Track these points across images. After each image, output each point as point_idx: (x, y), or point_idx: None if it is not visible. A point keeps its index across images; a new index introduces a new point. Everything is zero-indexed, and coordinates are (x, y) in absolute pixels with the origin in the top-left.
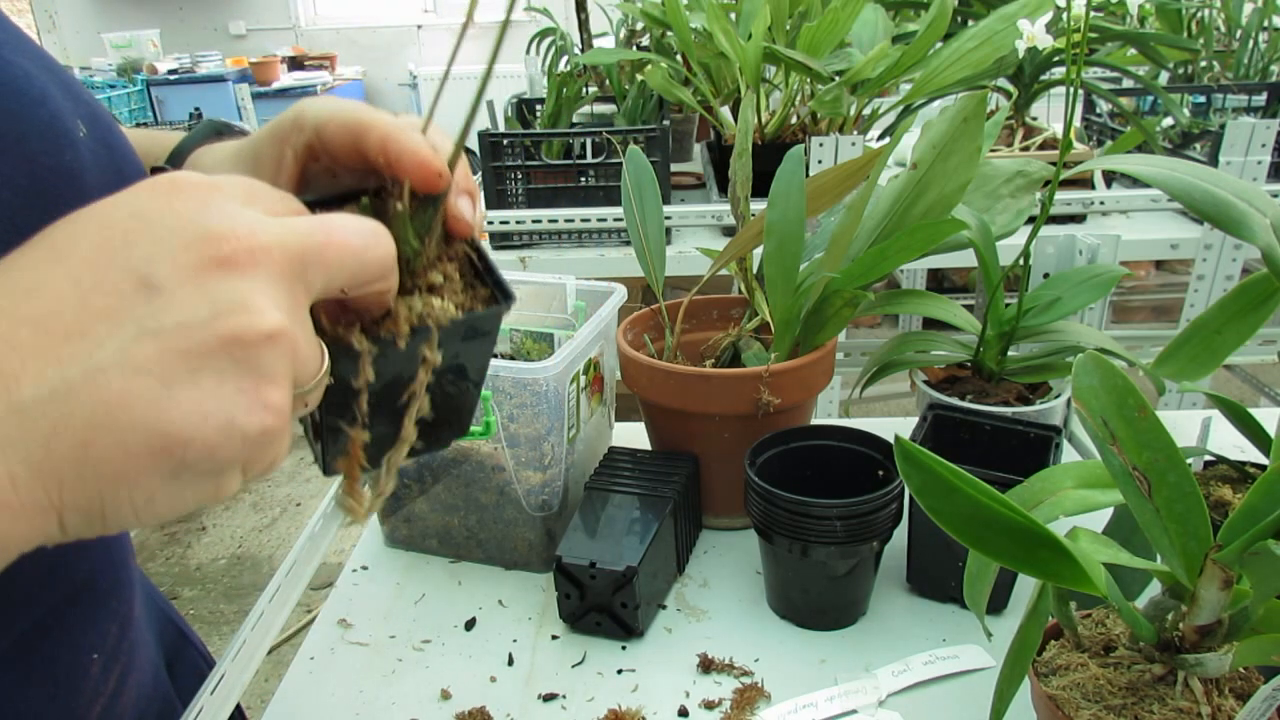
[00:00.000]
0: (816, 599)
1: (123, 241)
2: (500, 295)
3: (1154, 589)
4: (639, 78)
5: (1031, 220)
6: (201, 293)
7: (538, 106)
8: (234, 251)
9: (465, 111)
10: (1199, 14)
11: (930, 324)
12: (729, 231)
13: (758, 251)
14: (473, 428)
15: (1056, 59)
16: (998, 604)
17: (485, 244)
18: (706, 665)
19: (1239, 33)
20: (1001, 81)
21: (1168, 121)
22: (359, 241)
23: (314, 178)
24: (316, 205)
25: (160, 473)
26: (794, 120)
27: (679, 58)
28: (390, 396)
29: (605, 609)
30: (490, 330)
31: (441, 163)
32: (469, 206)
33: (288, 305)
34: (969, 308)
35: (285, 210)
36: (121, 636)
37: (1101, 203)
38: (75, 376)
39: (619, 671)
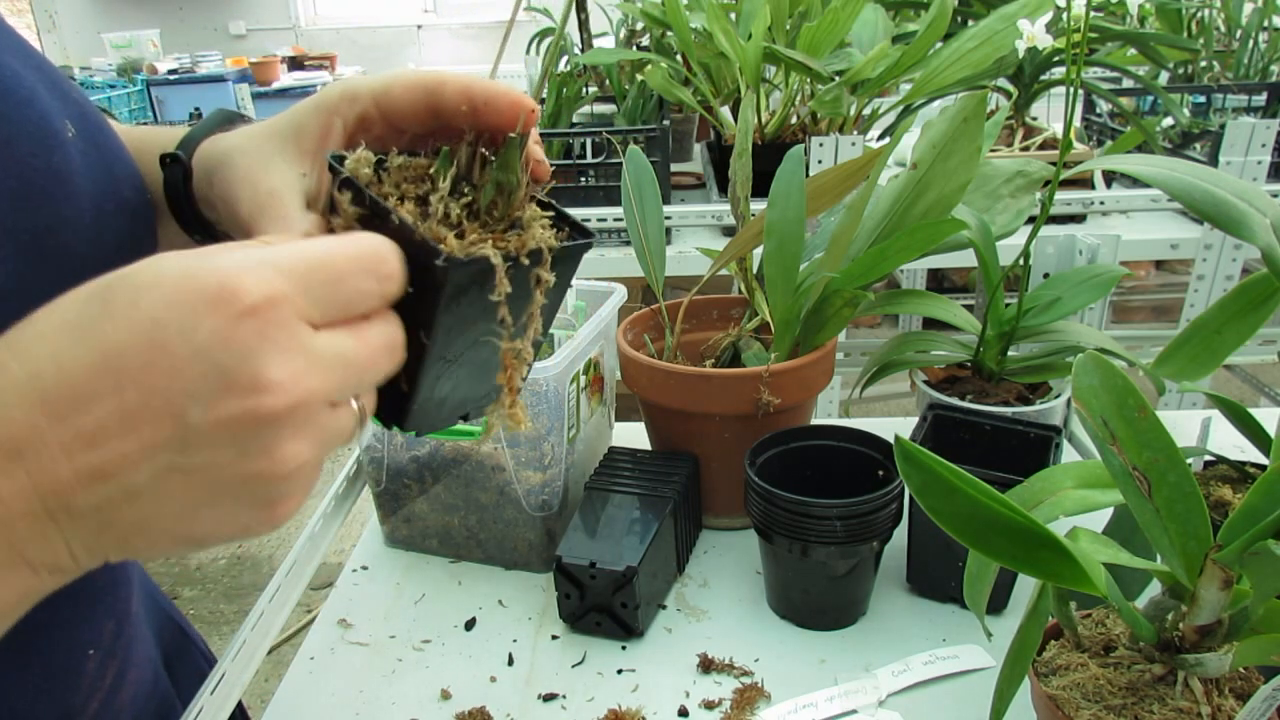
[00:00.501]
0: (816, 599)
1: (169, 372)
2: (580, 235)
3: (1154, 589)
4: (639, 78)
5: (1031, 220)
6: (232, 440)
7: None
8: (273, 407)
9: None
10: (1199, 14)
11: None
12: (729, 231)
13: (758, 251)
14: (472, 427)
15: (1056, 59)
16: (998, 604)
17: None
18: (706, 665)
19: (1239, 33)
20: (1001, 81)
21: (1168, 121)
22: (398, 343)
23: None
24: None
25: (180, 550)
26: (794, 120)
27: (679, 58)
28: (488, 329)
29: (605, 609)
30: (575, 263)
31: (531, 100)
32: (541, 151)
33: (315, 434)
34: (969, 308)
35: (372, 288)
36: (118, 633)
37: (1101, 203)
38: (116, 495)
39: (619, 671)
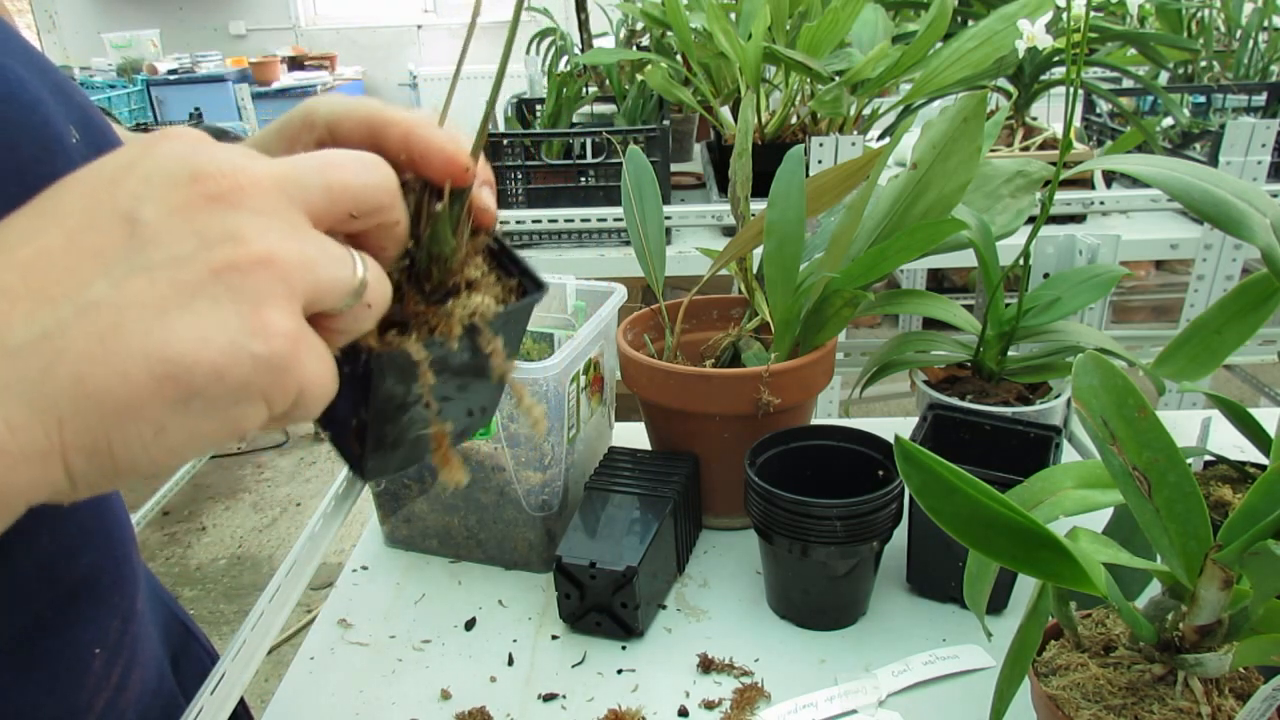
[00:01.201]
0: (816, 599)
1: (110, 186)
2: (532, 284)
3: (1154, 589)
4: (639, 78)
5: (1031, 220)
6: (189, 227)
7: (538, 106)
8: (220, 188)
9: (465, 110)
10: (1199, 14)
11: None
12: (729, 231)
13: (758, 251)
14: None
15: (1056, 59)
16: (998, 604)
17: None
18: (706, 665)
19: (1239, 33)
20: (1001, 81)
21: (1168, 121)
22: (355, 165)
23: None
24: None
25: (167, 401)
26: (794, 120)
27: (679, 58)
28: (445, 392)
29: (605, 609)
30: (526, 316)
31: (468, 156)
32: (491, 196)
33: (282, 229)
34: (969, 308)
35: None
36: (124, 631)
37: (1101, 203)
38: (66, 314)
39: (619, 671)
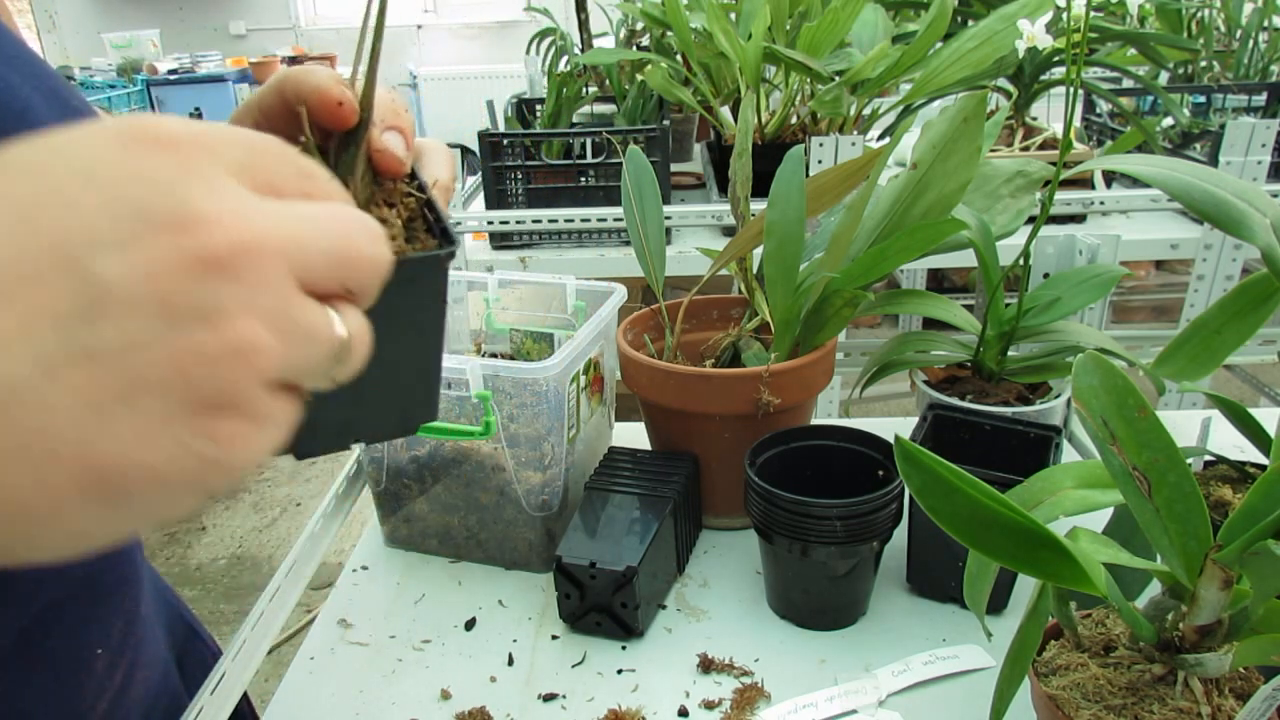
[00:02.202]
0: (816, 599)
1: (64, 209)
2: (444, 242)
3: (1154, 589)
4: (639, 78)
5: (1031, 220)
6: (159, 300)
7: (538, 106)
8: (213, 248)
9: (464, 109)
10: (1199, 14)
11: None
12: (729, 231)
13: (758, 251)
14: (472, 427)
15: (1056, 59)
16: (998, 604)
17: (439, 195)
18: (706, 665)
19: (1239, 33)
20: (1001, 81)
21: (1168, 121)
22: (368, 240)
23: None
24: None
25: (90, 508)
26: (794, 120)
27: (679, 58)
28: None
29: (605, 609)
30: (429, 283)
31: (343, 92)
32: (397, 141)
33: (271, 309)
34: (969, 308)
35: (294, 176)
36: (128, 632)
37: (1101, 203)
38: None
39: (619, 671)
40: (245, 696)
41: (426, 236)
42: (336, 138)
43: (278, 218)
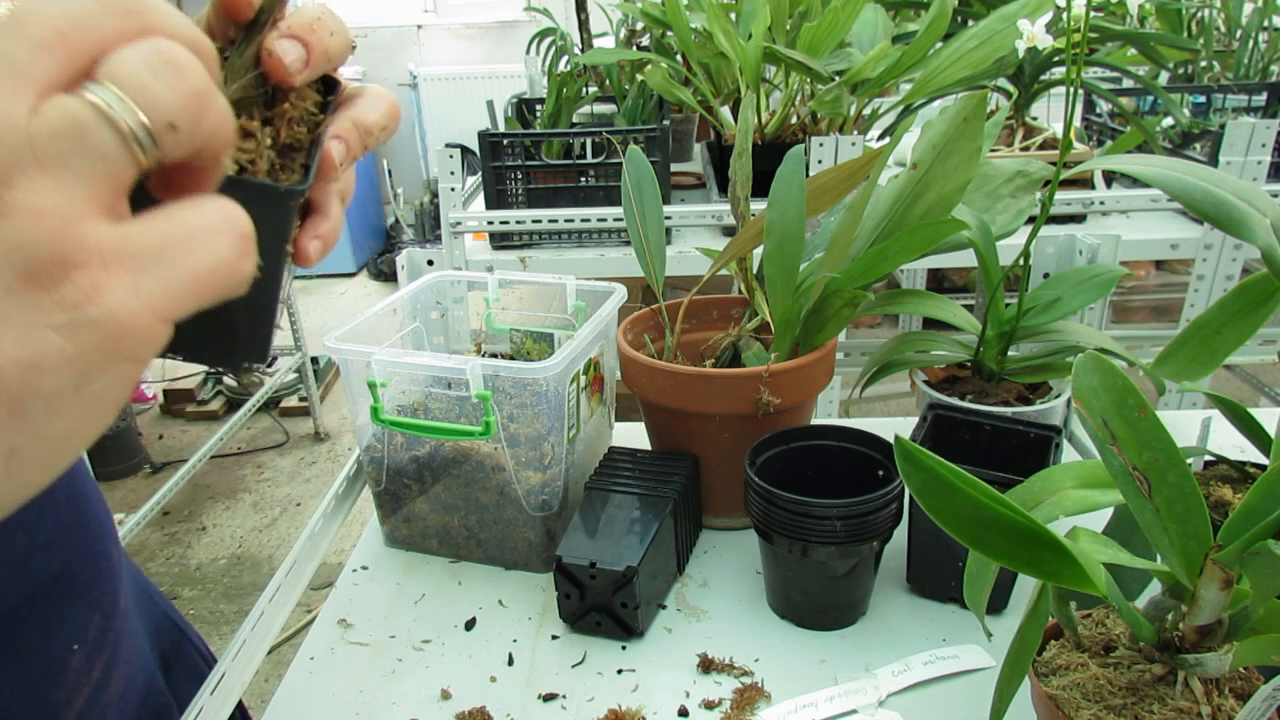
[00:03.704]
0: (816, 599)
1: None
2: (302, 178)
3: (1154, 589)
4: (639, 78)
5: (1031, 220)
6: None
7: (538, 106)
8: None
9: (464, 109)
10: (1199, 14)
11: (930, 324)
12: (729, 231)
13: (758, 251)
14: (472, 427)
15: (1056, 59)
16: (998, 604)
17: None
18: (706, 665)
19: (1239, 33)
20: (1001, 81)
21: (1168, 121)
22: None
23: None
24: None
25: None
26: (794, 120)
27: (679, 58)
28: None
29: (605, 609)
30: (269, 217)
31: None
32: (292, 49)
33: (12, 146)
34: (969, 308)
35: (110, 30)
36: (105, 629)
37: (1101, 203)
38: None
39: (619, 671)
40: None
41: (299, 171)
42: (238, 33)
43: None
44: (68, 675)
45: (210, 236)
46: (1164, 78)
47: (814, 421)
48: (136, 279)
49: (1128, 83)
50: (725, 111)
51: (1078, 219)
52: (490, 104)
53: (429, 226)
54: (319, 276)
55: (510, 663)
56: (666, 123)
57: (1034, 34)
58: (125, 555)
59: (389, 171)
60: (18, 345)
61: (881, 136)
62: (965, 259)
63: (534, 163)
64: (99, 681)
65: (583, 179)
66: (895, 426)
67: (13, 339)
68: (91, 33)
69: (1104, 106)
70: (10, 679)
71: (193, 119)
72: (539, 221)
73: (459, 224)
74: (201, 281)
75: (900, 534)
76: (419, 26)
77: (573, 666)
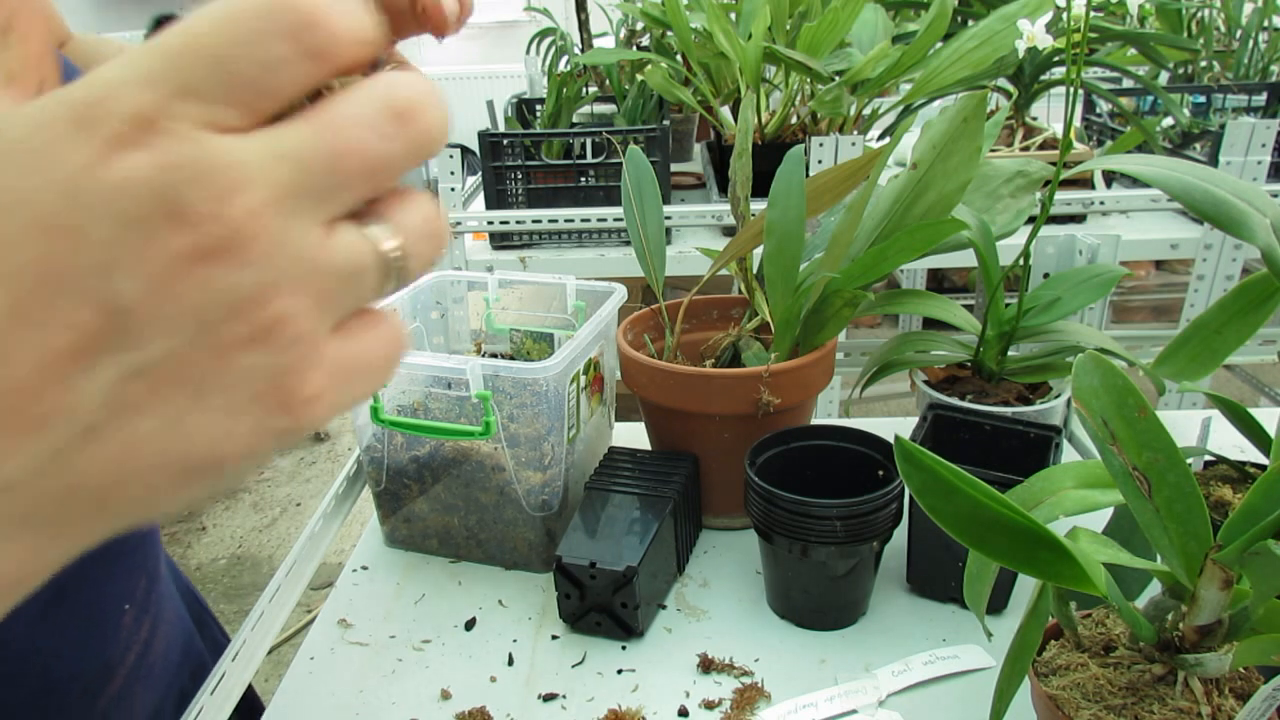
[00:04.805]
0: (816, 599)
1: (69, 250)
2: None
3: (1154, 589)
4: (639, 78)
5: (1031, 220)
6: (179, 306)
7: (538, 106)
8: (209, 239)
9: (464, 109)
10: (1199, 14)
11: (930, 324)
12: (729, 231)
13: (758, 251)
14: (472, 427)
15: (1056, 59)
16: (998, 604)
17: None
18: (706, 665)
19: (1239, 33)
20: (1001, 81)
21: (1168, 121)
22: (373, 138)
23: None
24: None
25: (192, 488)
26: (794, 120)
27: (679, 58)
28: None
29: (605, 609)
30: None
31: None
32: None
33: (291, 272)
34: (969, 308)
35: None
36: (150, 589)
37: (1101, 203)
38: (63, 440)
39: (619, 671)
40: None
41: None
42: None
43: (266, 168)
44: (121, 633)
45: (391, 359)
46: (1164, 78)
47: (814, 421)
48: (338, 397)
49: (1128, 83)
50: (725, 111)
51: (1078, 219)
52: (490, 104)
53: None
54: None
55: (510, 663)
56: (666, 123)
57: (1034, 34)
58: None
59: None
60: (232, 440)
61: (881, 136)
62: (965, 259)
63: (534, 163)
64: (146, 640)
65: (583, 179)
66: (895, 426)
67: (231, 434)
68: (395, 167)
69: (1104, 106)
70: (75, 638)
71: (422, 274)
72: (539, 221)
73: (459, 224)
74: (366, 396)
75: (900, 534)
76: None
77: (573, 666)
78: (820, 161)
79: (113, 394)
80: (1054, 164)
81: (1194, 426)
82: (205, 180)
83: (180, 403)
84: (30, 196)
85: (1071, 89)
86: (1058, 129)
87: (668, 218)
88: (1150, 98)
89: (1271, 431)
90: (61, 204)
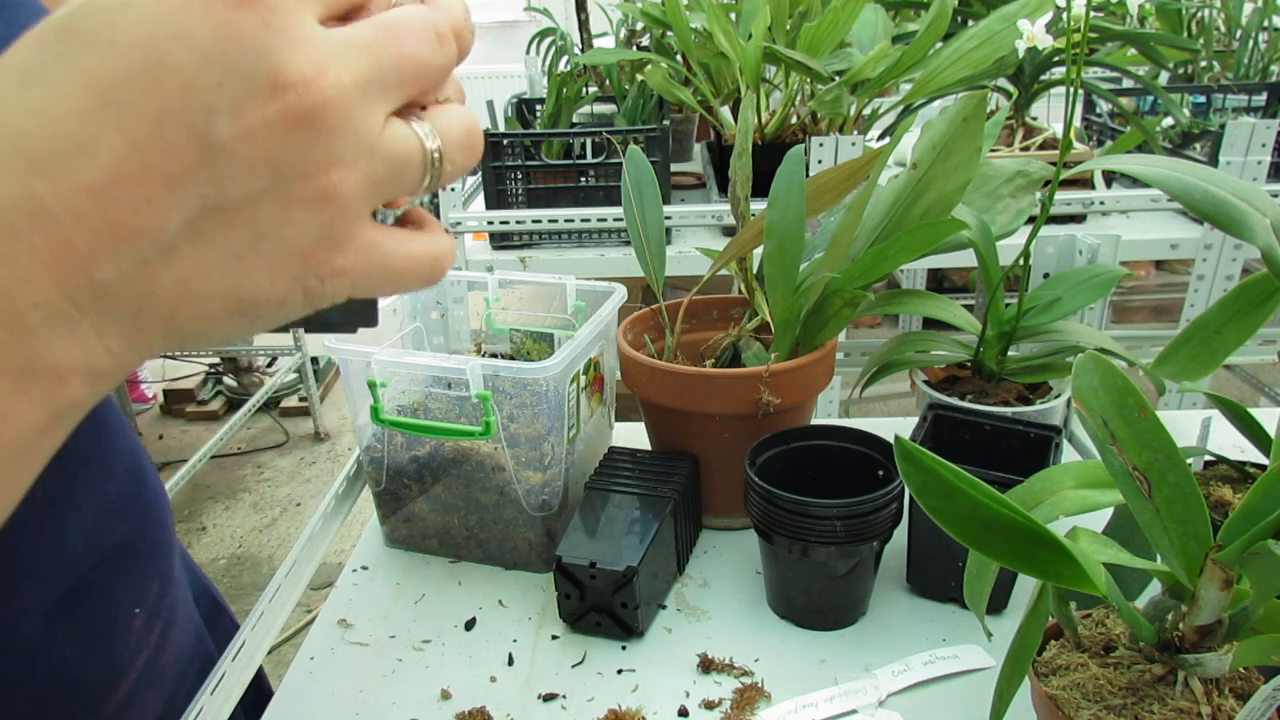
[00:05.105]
0: (816, 599)
1: (180, 88)
2: None
3: (1154, 589)
4: (639, 78)
5: (1031, 220)
6: (264, 156)
7: (538, 106)
8: (302, 106)
9: (476, 106)
10: (1199, 14)
11: (930, 324)
12: (729, 231)
13: (758, 251)
14: (472, 427)
15: (1056, 59)
16: (998, 604)
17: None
18: (706, 665)
19: (1239, 33)
20: (1001, 81)
21: (1168, 121)
22: (424, 41)
23: None
24: None
25: (234, 322)
26: (794, 120)
27: (679, 58)
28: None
29: (605, 609)
30: None
31: None
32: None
33: (356, 152)
34: (969, 308)
35: None
36: (163, 594)
37: (1101, 203)
38: (149, 253)
39: (619, 671)
40: (262, 672)
41: None
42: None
43: (355, 59)
44: (131, 636)
45: (415, 272)
46: (1164, 78)
47: (814, 421)
48: (363, 280)
49: (1128, 83)
50: (725, 111)
51: (1078, 219)
52: (490, 104)
53: None
54: None
55: (510, 663)
56: (666, 123)
57: (1034, 34)
58: (174, 527)
59: None
60: (276, 287)
61: (881, 136)
62: (965, 259)
63: (534, 163)
64: (156, 644)
65: (583, 179)
66: (895, 426)
67: (275, 281)
68: (439, 77)
69: (1104, 106)
70: (83, 641)
71: (456, 178)
72: (539, 221)
73: (459, 224)
74: (387, 293)
75: (900, 534)
76: None
77: (573, 666)
78: (820, 161)
79: (192, 222)
80: (1054, 164)
81: (1194, 426)
82: (305, 51)
83: (242, 242)
84: (150, 37)
85: (1071, 89)
86: (1058, 129)
87: (668, 218)
88: (1150, 98)
89: (1271, 431)
90: (177, 46)
